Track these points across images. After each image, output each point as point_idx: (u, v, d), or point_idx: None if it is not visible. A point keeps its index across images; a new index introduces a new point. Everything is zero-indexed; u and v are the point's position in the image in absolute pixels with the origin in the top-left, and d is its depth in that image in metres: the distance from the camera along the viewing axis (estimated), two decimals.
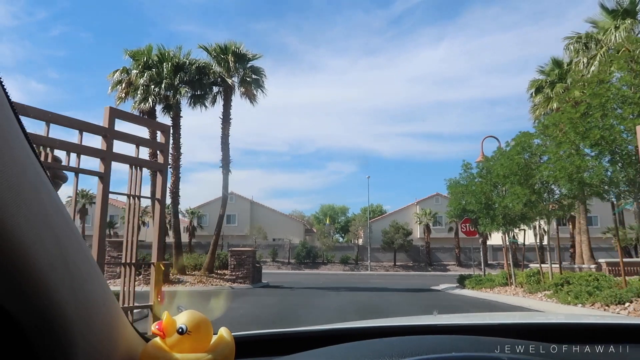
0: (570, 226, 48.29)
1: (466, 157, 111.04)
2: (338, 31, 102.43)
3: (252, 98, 21.91)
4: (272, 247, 48.65)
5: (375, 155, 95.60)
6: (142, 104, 19.53)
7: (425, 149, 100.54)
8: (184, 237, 54.14)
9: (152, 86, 19.42)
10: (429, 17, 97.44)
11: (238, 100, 24.45)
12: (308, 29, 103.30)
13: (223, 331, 1.04)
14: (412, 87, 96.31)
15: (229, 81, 21.12)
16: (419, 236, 51.79)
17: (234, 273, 18.98)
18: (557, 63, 19.77)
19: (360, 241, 53.80)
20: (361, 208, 47.64)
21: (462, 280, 19.45)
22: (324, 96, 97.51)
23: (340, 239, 63.62)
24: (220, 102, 22.03)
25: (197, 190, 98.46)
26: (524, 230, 49.10)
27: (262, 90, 22.02)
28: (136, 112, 19.00)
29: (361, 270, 44.53)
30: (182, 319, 0.97)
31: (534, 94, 20.91)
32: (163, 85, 19.31)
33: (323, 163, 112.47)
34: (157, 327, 0.98)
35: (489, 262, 47.31)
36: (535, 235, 17.11)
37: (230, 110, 21.74)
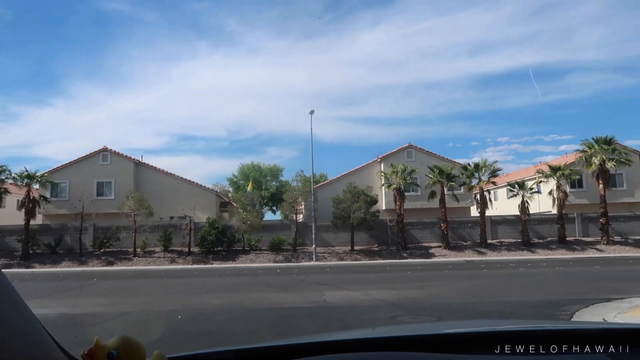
0: (601, 185, 33.91)
1: (404, 140, 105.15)
2: (277, 12, 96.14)
3: None
4: (164, 228, 31.18)
5: (315, 140, 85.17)
6: None
7: (363, 133, 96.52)
8: (18, 217, 34.37)
9: None
10: (365, 0, 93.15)
11: None
12: (246, 10, 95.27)
13: (157, 355, 1.01)
14: (351, 71, 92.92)
15: None
16: (384, 207, 36.22)
17: None
18: None
19: (301, 217, 37.58)
20: (297, 173, 32.02)
21: None
22: (263, 79, 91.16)
23: (271, 215, 47.42)
24: None
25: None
26: (536, 192, 33.88)
27: None
28: None
29: (302, 261, 28.37)
30: (113, 344, 0.94)
31: None
32: None
33: (263, 148, 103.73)
34: (86, 352, 0.94)
35: (488, 241, 32.38)
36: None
37: None
